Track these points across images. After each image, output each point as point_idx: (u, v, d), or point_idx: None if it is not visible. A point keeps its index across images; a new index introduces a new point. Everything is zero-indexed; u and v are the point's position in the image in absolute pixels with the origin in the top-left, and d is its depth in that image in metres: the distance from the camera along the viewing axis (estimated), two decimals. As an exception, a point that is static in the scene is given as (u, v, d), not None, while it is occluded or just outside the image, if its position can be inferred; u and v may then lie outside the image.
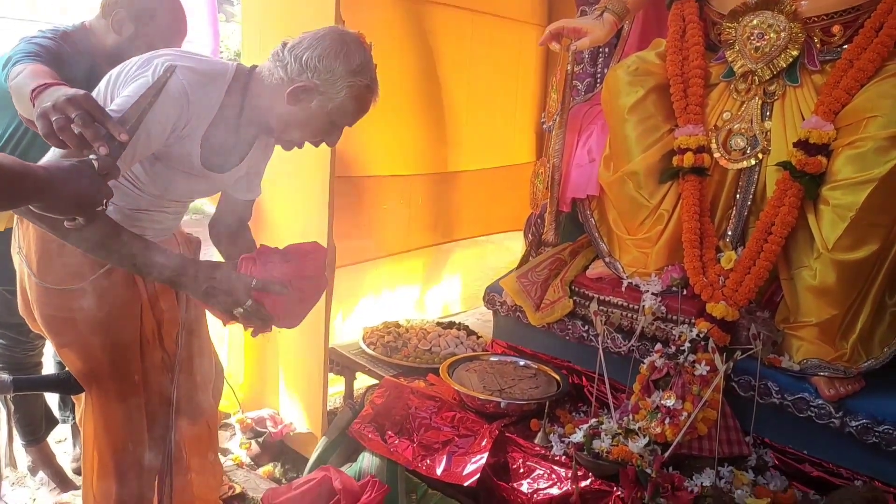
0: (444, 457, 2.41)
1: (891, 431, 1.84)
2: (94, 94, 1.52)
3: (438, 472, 2.38)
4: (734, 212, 2.27)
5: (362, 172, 3.04)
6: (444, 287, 3.81)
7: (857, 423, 1.90)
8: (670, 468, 2.07)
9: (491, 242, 3.87)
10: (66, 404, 2.80)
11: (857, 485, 1.89)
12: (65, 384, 1.73)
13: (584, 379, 2.59)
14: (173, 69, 1.41)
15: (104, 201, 1.26)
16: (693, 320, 2.20)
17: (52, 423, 2.72)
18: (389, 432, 2.57)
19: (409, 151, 3.27)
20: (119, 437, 1.74)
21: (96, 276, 1.60)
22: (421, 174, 3.35)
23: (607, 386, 2.27)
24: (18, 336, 2.44)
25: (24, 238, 1.65)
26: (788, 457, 2.09)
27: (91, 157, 1.23)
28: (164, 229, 1.75)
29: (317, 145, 1.66)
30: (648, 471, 2.00)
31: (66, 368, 1.73)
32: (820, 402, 1.97)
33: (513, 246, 3.90)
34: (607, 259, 2.50)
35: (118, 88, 1.49)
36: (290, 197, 2.73)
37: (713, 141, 2.28)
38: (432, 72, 3.30)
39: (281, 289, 1.51)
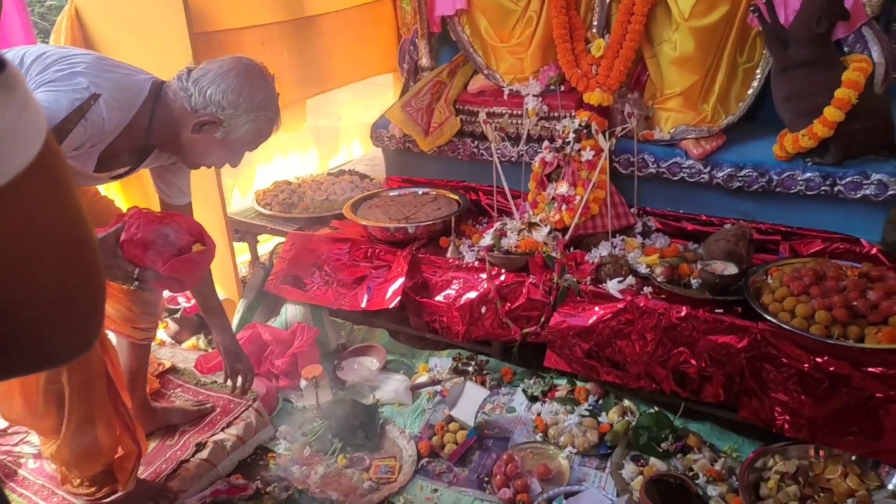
0: (365, 290, 2.52)
1: (751, 174, 2.10)
2: None
3: (363, 304, 2.49)
4: (597, 2, 2.35)
5: (220, 26, 2.84)
6: (327, 139, 3.75)
7: (723, 173, 2.15)
8: (572, 248, 2.29)
9: (367, 86, 3.80)
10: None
11: (727, 227, 2.17)
12: None
13: (480, 194, 2.72)
14: (97, 98, 1.44)
15: None
16: (573, 113, 2.34)
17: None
18: (306, 280, 2.63)
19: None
20: None
21: None
22: (279, 22, 3.16)
23: (506, 189, 2.40)
24: None
25: None
26: (668, 219, 2.36)
27: None
28: None
29: (220, 166, 1.77)
30: (554, 254, 2.20)
31: None
32: (690, 162, 2.20)
33: (389, 89, 3.86)
34: (486, 71, 2.55)
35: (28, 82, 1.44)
36: (151, 59, 2.52)
37: (568, -68, 2.31)
38: None
39: (157, 277, 1.54)
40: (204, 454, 2.04)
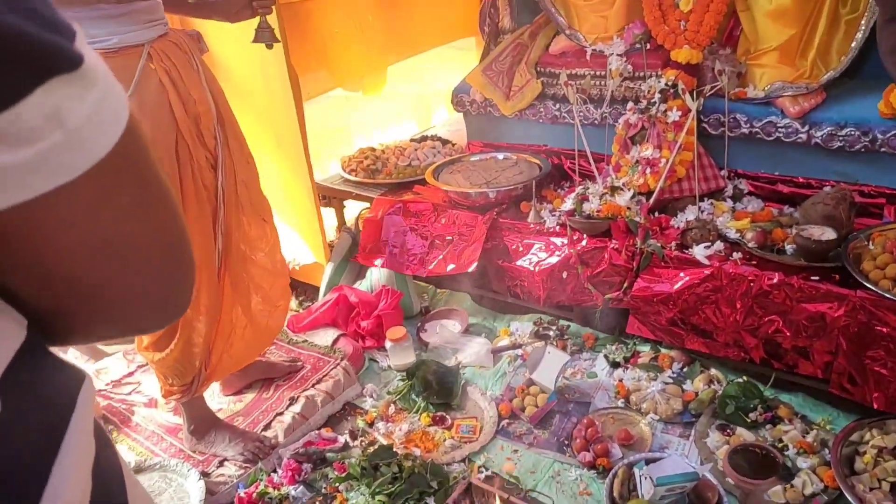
0: (448, 255, 2.56)
1: (853, 133, 1.97)
2: None
3: (448, 269, 2.53)
4: (686, -47, 2.24)
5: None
6: (409, 105, 3.79)
7: (822, 132, 2.02)
8: (656, 213, 2.23)
9: (450, 49, 3.79)
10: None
11: (826, 189, 2.05)
12: None
13: (562, 158, 2.68)
14: None
15: None
16: (660, 72, 2.25)
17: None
18: (390, 245, 2.70)
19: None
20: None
21: (132, 86, 1.59)
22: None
23: (588, 153, 2.36)
24: None
25: None
26: (761, 181, 2.25)
27: None
28: (152, 20, 1.69)
29: None
30: (637, 219, 2.15)
31: None
32: (786, 121, 2.08)
33: (472, 52, 3.84)
34: (567, 31, 2.49)
35: None
36: (237, 29, 2.62)
37: None
38: None
39: None
40: (297, 408, 2.16)
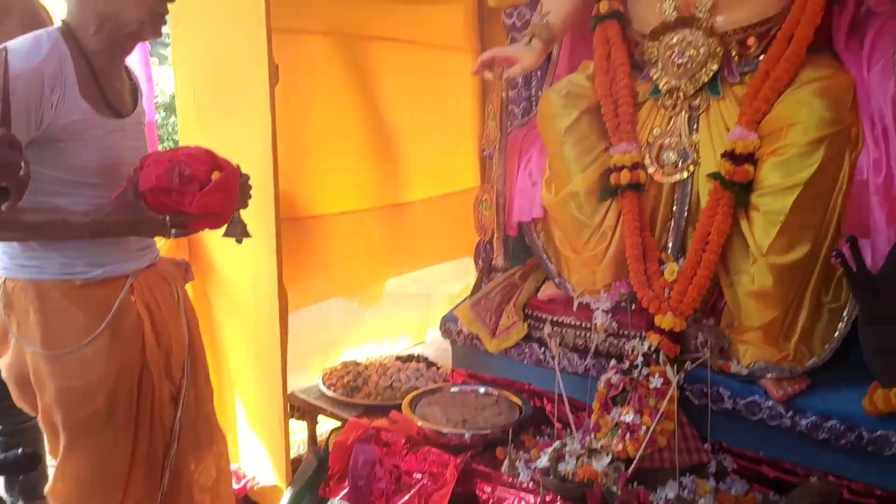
0: (415, 497, 2.39)
1: (838, 427, 1.89)
2: None
3: (411, 513, 2.36)
4: (672, 224, 2.33)
5: (310, 212, 3.03)
6: (402, 319, 3.80)
7: (807, 420, 1.94)
8: (635, 483, 2.09)
9: (450, 264, 3.88)
10: (12, 487, 2.64)
11: (813, 481, 1.93)
12: (20, 464, 1.58)
13: (545, 401, 2.60)
14: (5, 49, 1.35)
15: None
16: (644, 333, 2.24)
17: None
18: (360, 477, 2.54)
19: (356, 186, 3.28)
20: (106, 483, 1.63)
21: (107, 319, 1.55)
22: (371, 208, 3.35)
23: (567, 407, 2.28)
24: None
25: (18, 326, 1.56)
26: (746, 459, 2.13)
27: None
28: (142, 249, 1.68)
29: (154, 30, 1.63)
30: (614, 489, 2.02)
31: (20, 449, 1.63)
32: (770, 403, 2.01)
33: (468, 270, 3.93)
34: (557, 280, 2.53)
35: None
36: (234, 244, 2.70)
37: (646, 156, 2.34)
38: (373, 106, 3.32)
39: (190, 218, 1.54)
40: None
